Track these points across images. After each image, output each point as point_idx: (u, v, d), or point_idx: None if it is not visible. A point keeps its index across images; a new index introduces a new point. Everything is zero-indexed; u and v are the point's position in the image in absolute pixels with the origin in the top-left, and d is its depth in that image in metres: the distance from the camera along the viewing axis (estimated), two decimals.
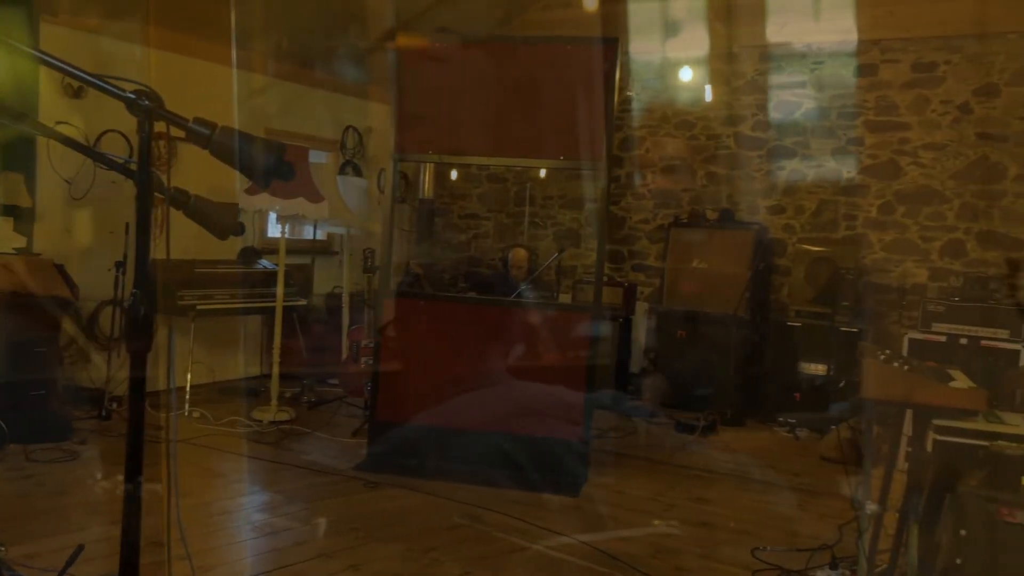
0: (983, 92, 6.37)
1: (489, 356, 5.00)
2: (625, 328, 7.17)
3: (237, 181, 5.61)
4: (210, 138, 1.66)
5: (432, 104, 5.02)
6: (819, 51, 6.93)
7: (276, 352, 5.82)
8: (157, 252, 1.79)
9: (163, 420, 4.76)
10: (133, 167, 1.66)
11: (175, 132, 1.68)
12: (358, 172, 7.98)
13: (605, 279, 6.13)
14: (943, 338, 5.56)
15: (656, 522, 4.18)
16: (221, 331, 6.73)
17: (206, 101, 5.23)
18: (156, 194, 1.67)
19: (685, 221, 7.28)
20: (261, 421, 5.61)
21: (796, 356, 6.38)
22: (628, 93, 7.75)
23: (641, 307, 7.50)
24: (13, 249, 5.16)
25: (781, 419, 6.33)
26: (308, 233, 7.42)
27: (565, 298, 7.52)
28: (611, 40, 4.92)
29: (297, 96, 7.42)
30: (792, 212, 7.14)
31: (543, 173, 8.15)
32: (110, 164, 1.86)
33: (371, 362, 5.65)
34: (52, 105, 5.47)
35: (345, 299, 6.99)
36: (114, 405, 5.49)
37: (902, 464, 3.59)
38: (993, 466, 2.93)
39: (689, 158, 7.60)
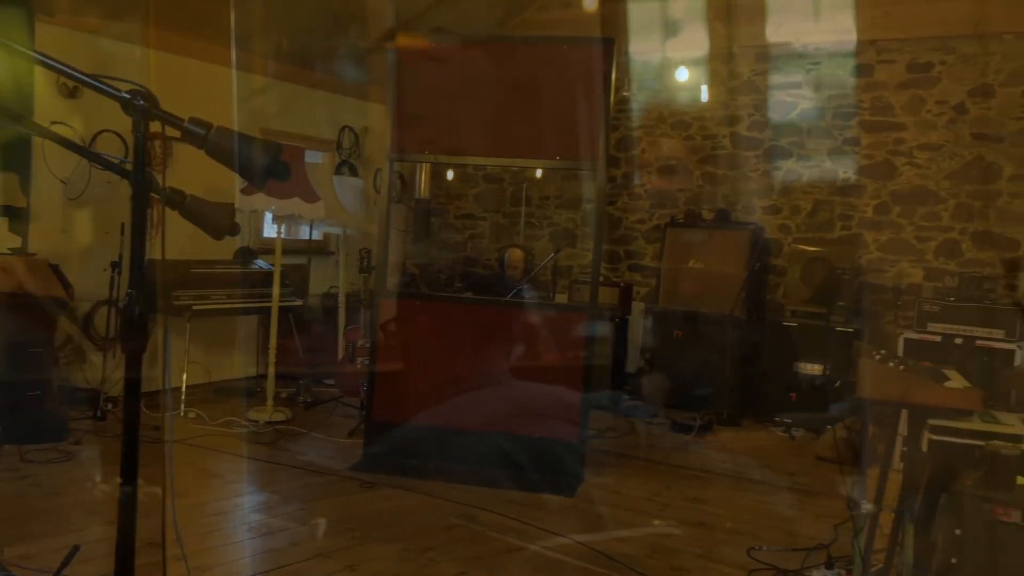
0: (978, 93, 6.39)
1: (485, 356, 5.01)
2: (621, 328, 7.18)
3: (234, 181, 5.60)
4: (205, 138, 1.66)
5: (428, 104, 5.02)
6: (815, 51, 6.94)
7: (272, 352, 5.82)
8: (153, 252, 1.79)
9: (159, 420, 4.75)
10: (128, 167, 1.66)
11: (170, 132, 1.67)
12: (354, 172, 7.98)
13: (601, 279, 6.14)
14: (938, 338, 5.57)
15: (656, 522, 4.18)
16: (217, 331, 6.72)
17: (202, 101, 5.22)
18: (152, 194, 1.67)
19: (681, 221, 7.28)
20: (257, 421, 5.60)
21: (792, 356, 6.39)
22: (624, 93, 7.75)
23: (637, 307, 7.51)
24: (8, 249, 5.15)
25: (777, 419, 6.34)
26: (304, 233, 7.41)
27: (561, 298, 7.52)
28: (607, 40, 4.92)
29: (293, 96, 7.41)
30: (788, 212, 7.15)
31: (539, 173, 8.16)
32: (105, 164, 1.85)
33: (367, 362, 5.65)
34: (48, 105, 5.46)
35: (341, 299, 6.99)
36: (109, 406, 5.48)
37: (898, 464, 3.59)
38: (988, 466, 2.94)
39: (685, 158, 7.61)
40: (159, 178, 1.72)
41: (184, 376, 5.99)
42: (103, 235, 5.81)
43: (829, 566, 3.40)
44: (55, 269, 5.16)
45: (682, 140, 7.63)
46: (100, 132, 5.76)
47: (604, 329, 6.61)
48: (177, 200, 1.80)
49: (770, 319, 6.76)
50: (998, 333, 5.48)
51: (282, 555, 3.50)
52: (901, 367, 2.82)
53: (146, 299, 1.66)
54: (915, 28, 6.54)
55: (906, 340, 5.62)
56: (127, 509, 1.66)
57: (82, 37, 5.65)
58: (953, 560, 2.88)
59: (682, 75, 7.46)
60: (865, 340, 6.02)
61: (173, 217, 1.88)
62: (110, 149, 5.70)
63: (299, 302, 6.64)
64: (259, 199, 5.68)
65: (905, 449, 3.04)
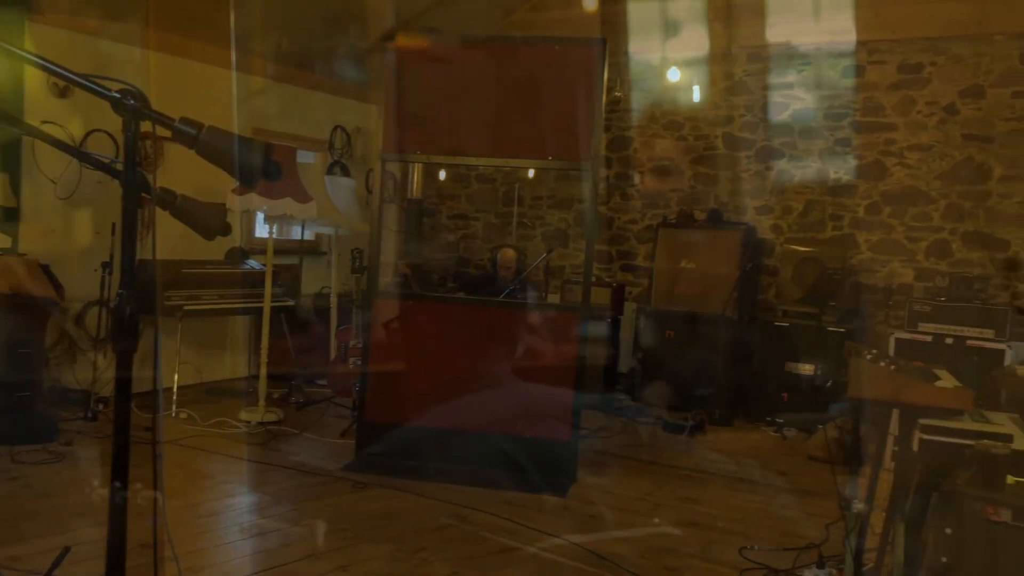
0: (969, 93, 6.42)
1: (478, 356, 5.01)
2: (614, 328, 7.19)
3: (226, 181, 5.58)
4: (196, 138, 1.65)
5: (420, 104, 5.02)
6: (807, 52, 6.96)
7: (264, 353, 5.80)
8: (144, 252, 1.79)
9: (150, 421, 4.73)
10: (119, 167, 1.65)
11: (161, 132, 1.67)
12: (346, 172, 7.96)
13: (594, 279, 6.14)
14: (929, 338, 5.60)
15: (656, 521, 4.19)
16: (209, 332, 6.70)
17: (200, 103, 5.22)
18: (142, 194, 1.67)
19: (674, 221, 7.29)
20: (249, 422, 5.58)
21: (784, 356, 6.40)
22: (616, 93, 7.76)
23: (629, 307, 7.52)
24: None
25: (769, 419, 6.36)
26: (296, 233, 7.40)
27: (554, 298, 7.53)
28: (599, 40, 4.93)
29: (284, 96, 7.40)
30: (780, 212, 7.17)
31: (532, 173, 8.16)
32: (96, 164, 1.85)
33: (359, 363, 5.64)
34: (38, 104, 5.44)
35: (333, 299, 6.98)
36: (100, 406, 5.46)
37: (888, 463, 3.61)
38: (979, 465, 2.95)
39: (678, 158, 7.62)
40: (150, 178, 1.72)
41: (175, 376, 5.98)
42: (94, 235, 5.79)
43: (820, 565, 3.40)
44: (45, 269, 5.13)
45: (674, 140, 7.64)
46: (91, 132, 5.73)
47: (596, 329, 6.62)
48: (168, 200, 1.80)
49: (762, 319, 6.78)
50: (988, 333, 5.51)
51: (274, 556, 3.49)
52: (892, 367, 2.83)
53: (138, 299, 1.65)
54: (906, 29, 6.57)
55: (897, 340, 5.65)
56: (118, 510, 1.65)
57: (82, 39, 5.64)
58: (944, 559, 2.89)
59: (674, 75, 7.47)
60: (856, 340, 6.05)
61: (164, 217, 1.88)
62: (101, 149, 5.68)
63: (291, 302, 6.63)
64: (251, 199, 5.66)
65: (896, 448, 3.05)
